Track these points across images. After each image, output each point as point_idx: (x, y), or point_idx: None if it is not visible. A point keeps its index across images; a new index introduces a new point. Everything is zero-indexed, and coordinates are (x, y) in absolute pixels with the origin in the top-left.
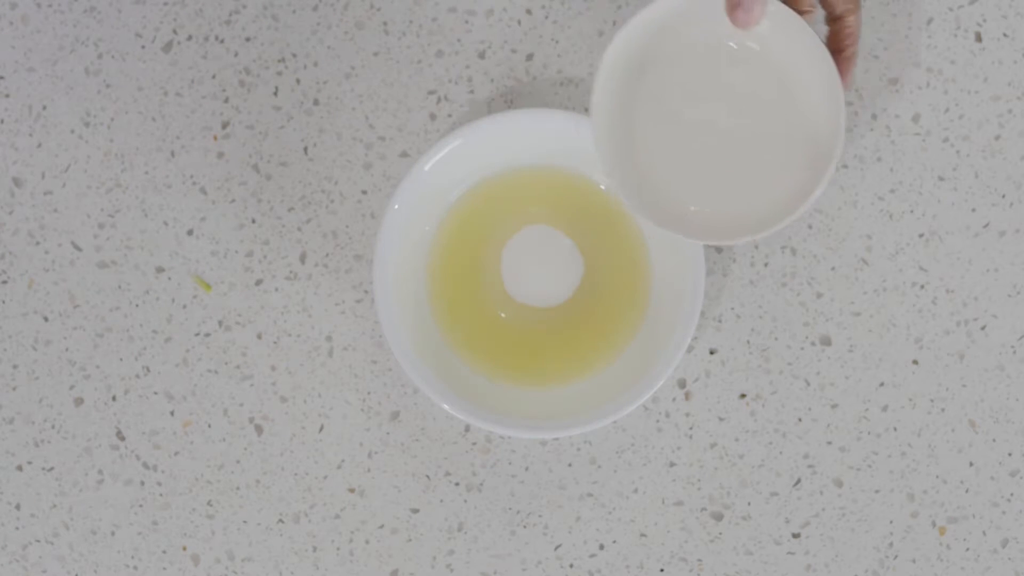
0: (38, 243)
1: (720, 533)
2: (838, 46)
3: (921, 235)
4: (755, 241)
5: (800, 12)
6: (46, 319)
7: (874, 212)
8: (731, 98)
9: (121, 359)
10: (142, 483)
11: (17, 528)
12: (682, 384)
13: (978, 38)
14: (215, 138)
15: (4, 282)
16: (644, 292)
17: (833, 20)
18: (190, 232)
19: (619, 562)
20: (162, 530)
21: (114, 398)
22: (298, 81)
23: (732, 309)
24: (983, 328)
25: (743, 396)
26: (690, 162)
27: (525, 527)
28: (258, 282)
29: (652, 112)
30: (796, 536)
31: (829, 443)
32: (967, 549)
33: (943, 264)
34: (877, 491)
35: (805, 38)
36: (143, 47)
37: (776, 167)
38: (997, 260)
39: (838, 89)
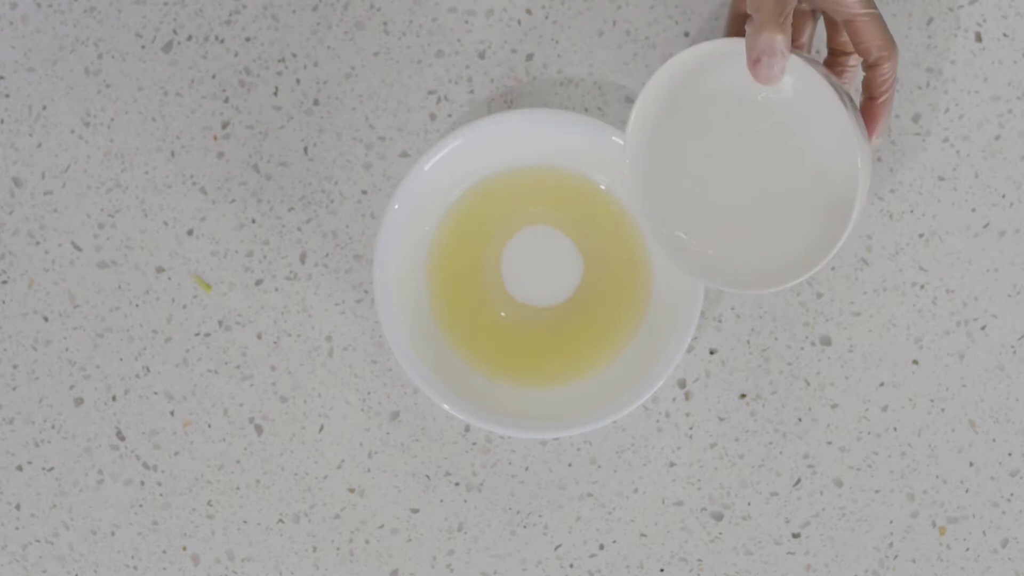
0: (38, 243)
1: (720, 533)
2: (872, 93)
3: (921, 235)
4: (764, 295)
5: (842, 71)
6: (46, 319)
7: (874, 212)
8: (756, 148)
9: (121, 359)
10: (142, 483)
11: (17, 528)
12: (682, 384)
13: (978, 38)
14: (215, 138)
15: (4, 282)
16: (644, 292)
17: (868, 67)
18: (190, 232)
19: (619, 562)
20: (162, 530)
21: (114, 398)
22: (298, 81)
23: (732, 309)
24: (983, 328)
25: (743, 396)
26: (714, 208)
27: (525, 527)
28: (258, 282)
29: (680, 155)
30: (796, 536)
31: (829, 443)
32: (967, 549)
33: (943, 264)
34: (877, 491)
35: (827, 94)
36: (143, 47)
37: (797, 220)
38: (997, 260)
39: (857, 148)
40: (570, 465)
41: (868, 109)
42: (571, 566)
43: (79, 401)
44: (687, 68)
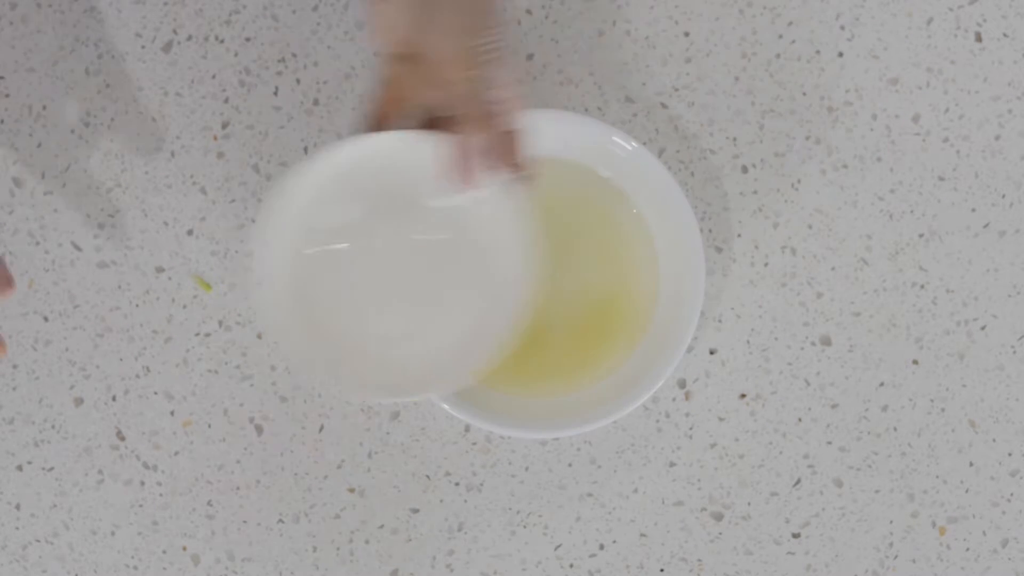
0: (38, 243)
1: (720, 533)
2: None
3: (921, 235)
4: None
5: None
6: (46, 319)
7: (874, 212)
8: (425, 247)
9: (121, 359)
10: (142, 483)
11: (17, 528)
12: (682, 384)
13: (978, 38)
14: (215, 138)
15: None
16: (651, 292)
17: None
18: (190, 232)
19: (619, 562)
20: (162, 530)
21: (114, 398)
22: (298, 81)
23: (732, 309)
24: (983, 328)
25: (743, 396)
26: (384, 307)
27: (525, 527)
28: (258, 282)
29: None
30: (796, 536)
31: (829, 443)
32: (967, 549)
33: (943, 264)
34: (877, 491)
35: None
36: (143, 47)
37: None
38: (997, 260)
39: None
40: (570, 465)
41: None
42: (571, 566)
43: (79, 401)
44: (364, 160)
